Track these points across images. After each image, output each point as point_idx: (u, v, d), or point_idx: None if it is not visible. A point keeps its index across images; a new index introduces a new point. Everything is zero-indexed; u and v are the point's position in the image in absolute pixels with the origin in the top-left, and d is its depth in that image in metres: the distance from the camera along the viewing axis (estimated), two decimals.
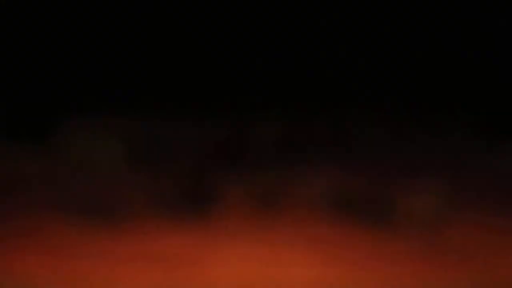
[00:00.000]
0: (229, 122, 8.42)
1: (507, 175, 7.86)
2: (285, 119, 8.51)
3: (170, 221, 7.17)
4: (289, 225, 6.96)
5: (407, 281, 5.76)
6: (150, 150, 8.13)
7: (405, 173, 7.57)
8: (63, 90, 9.00)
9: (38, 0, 8.83)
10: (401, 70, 8.97)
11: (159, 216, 7.27)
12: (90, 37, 9.13)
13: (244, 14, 9.15)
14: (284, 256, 6.25)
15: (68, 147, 8.28)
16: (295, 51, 9.32)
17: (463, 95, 8.79)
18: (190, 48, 9.22)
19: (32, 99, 8.89)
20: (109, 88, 8.97)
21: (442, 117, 8.52)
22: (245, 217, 7.14)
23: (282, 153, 8.08)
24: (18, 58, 8.85)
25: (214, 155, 8.06)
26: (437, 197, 6.88)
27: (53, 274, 5.87)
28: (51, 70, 9.04)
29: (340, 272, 5.94)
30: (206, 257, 6.27)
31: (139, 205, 7.44)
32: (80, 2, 8.96)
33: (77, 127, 8.51)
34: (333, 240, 6.64)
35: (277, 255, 6.28)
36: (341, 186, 7.38)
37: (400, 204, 6.95)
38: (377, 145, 8.10)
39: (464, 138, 8.19)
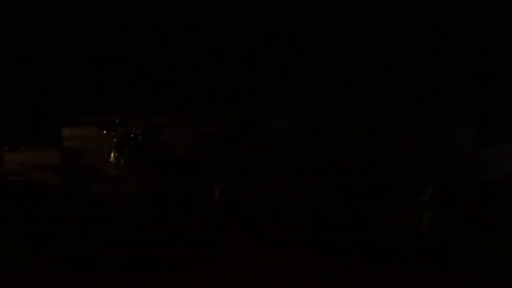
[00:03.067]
0: (226, 123, 8.42)
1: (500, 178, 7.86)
2: (282, 121, 8.50)
3: (168, 223, 7.17)
4: (285, 229, 6.95)
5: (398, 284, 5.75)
6: (149, 151, 8.13)
7: (399, 175, 7.56)
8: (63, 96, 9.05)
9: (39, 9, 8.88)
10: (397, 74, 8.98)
11: (157, 218, 7.27)
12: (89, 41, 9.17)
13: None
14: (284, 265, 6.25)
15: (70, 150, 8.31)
16: (293, 54, 9.33)
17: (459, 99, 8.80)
18: (188, 51, 9.24)
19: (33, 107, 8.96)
20: (108, 91, 9.00)
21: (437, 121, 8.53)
22: (243, 221, 7.13)
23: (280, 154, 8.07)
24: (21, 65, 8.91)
25: (213, 155, 8.06)
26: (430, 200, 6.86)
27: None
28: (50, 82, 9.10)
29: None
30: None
31: (138, 205, 7.45)
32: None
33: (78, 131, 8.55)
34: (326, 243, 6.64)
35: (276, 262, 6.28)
36: (336, 189, 7.37)
37: (392, 207, 6.95)
38: (373, 149, 8.09)
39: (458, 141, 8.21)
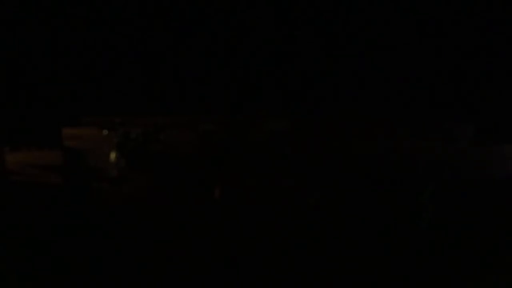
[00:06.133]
0: (226, 123, 8.43)
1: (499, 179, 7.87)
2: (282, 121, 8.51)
3: (168, 222, 7.16)
4: (286, 228, 6.94)
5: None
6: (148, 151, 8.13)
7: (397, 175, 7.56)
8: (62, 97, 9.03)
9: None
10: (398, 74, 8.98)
11: (155, 216, 7.26)
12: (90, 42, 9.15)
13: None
14: None
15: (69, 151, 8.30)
16: (293, 56, 9.33)
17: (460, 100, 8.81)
18: (188, 51, 9.22)
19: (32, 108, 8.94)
20: (108, 91, 8.98)
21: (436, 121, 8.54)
22: (243, 220, 7.13)
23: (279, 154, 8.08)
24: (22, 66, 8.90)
25: (212, 155, 8.06)
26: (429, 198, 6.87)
27: None
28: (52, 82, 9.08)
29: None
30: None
31: (138, 205, 7.44)
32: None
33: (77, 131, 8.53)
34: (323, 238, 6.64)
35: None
36: (335, 189, 7.38)
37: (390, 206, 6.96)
38: (372, 149, 8.10)
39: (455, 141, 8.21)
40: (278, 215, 7.16)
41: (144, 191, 7.69)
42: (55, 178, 7.96)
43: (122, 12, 9.25)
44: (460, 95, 8.98)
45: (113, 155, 7.95)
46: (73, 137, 8.37)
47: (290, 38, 9.36)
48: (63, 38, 9.24)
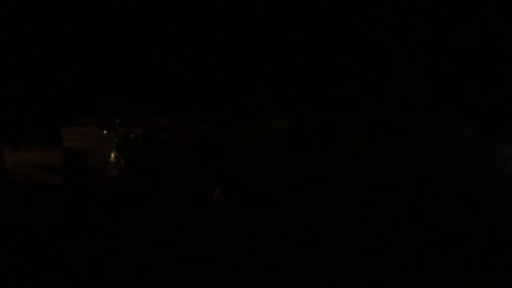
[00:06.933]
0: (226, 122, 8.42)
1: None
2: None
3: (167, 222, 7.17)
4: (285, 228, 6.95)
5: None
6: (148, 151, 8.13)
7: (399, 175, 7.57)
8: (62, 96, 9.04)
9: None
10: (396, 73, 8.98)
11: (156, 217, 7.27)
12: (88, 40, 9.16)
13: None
14: None
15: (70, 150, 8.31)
16: (292, 55, 9.33)
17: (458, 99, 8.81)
18: (188, 51, 9.23)
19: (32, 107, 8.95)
20: (108, 91, 8.99)
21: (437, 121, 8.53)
22: (242, 220, 7.14)
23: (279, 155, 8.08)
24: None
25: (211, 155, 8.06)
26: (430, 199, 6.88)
27: None
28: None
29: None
30: None
31: (138, 205, 7.45)
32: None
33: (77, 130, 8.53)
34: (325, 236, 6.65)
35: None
36: (335, 189, 7.38)
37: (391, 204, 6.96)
38: (372, 149, 8.09)
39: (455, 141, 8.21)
40: (278, 215, 7.16)
41: (144, 191, 7.69)
42: (55, 178, 7.97)
43: (122, 12, 9.26)
44: (460, 95, 8.98)
45: (113, 155, 7.95)
46: (73, 137, 8.37)
47: (290, 38, 9.36)
48: (63, 38, 9.25)
